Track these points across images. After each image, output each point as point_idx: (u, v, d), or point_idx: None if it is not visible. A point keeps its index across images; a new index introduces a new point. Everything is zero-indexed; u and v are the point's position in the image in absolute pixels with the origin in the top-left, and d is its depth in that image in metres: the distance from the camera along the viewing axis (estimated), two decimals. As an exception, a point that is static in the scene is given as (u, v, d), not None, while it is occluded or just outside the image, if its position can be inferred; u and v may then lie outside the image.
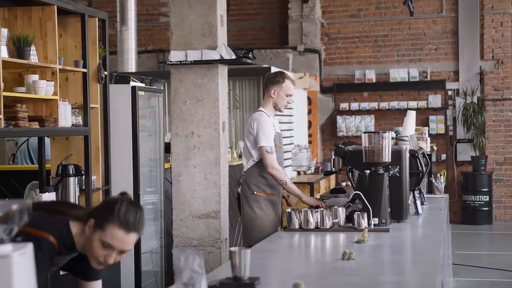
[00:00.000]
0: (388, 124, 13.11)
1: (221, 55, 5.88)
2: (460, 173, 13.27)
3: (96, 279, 3.06)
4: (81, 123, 5.92)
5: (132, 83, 6.95)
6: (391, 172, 4.72)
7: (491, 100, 13.21)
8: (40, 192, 5.56)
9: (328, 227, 4.44)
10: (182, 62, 5.88)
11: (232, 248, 2.84)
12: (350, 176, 5.20)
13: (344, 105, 13.57)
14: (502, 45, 13.17)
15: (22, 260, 1.80)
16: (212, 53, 5.89)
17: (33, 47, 5.27)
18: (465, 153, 13.25)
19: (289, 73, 11.42)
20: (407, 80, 13.36)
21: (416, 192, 5.35)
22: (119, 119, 6.61)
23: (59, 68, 5.57)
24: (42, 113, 5.46)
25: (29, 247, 1.84)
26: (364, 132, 4.69)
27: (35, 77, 5.34)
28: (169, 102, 6.12)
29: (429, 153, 6.69)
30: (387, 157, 4.61)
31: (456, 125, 13.27)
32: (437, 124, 13.23)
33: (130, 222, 2.77)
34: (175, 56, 5.92)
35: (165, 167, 7.35)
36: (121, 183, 6.62)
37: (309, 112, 12.96)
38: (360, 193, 4.53)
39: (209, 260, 5.79)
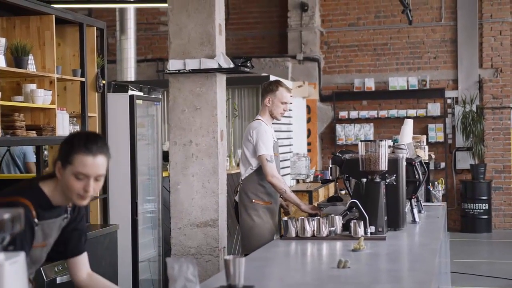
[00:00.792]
0: (387, 133, 13.12)
1: (219, 64, 5.90)
2: (459, 181, 13.28)
3: (82, 252, 3.13)
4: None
5: (130, 92, 6.97)
6: (387, 181, 4.73)
7: (490, 109, 13.22)
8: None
9: (324, 235, 4.45)
10: (181, 71, 5.90)
11: (227, 257, 2.85)
12: (347, 184, 5.21)
13: (343, 114, 13.59)
14: (501, 54, 13.19)
15: (14, 268, 1.80)
16: (210, 62, 5.91)
17: (31, 56, 5.29)
18: (464, 161, 13.25)
19: (288, 82, 11.46)
20: (406, 88, 13.38)
21: (413, 200, 5.35)
22: (117, 128, 6.62)
23: (57, 77, 5.58)
24: (40, 122, 5.47)
25: (21, 256, 1.84)
26: (361, 141, 4.70)
27: (32, 86, 5.35)
28: (168, 110, 6.14)
29: (427, 161, 6.70)
30: (383, 165, 4.62)
31: (455, 133, 13.29)
32: (436, 133, 13.24)
33: (93, 146, 2.85)
34: (173, 65, 5.93)
35: (163, 175, 7.36)
36: (119, 192, 6.63)
37: (308, 120, 12.98)
38: (357, 201, 4.53)
39: (207, 269, 5.80)
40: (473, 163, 13.01)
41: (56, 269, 4.72)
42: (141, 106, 6.98)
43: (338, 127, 13.59)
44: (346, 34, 13.79)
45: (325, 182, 9.43)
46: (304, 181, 10.45)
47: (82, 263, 3.13)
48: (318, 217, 4.53)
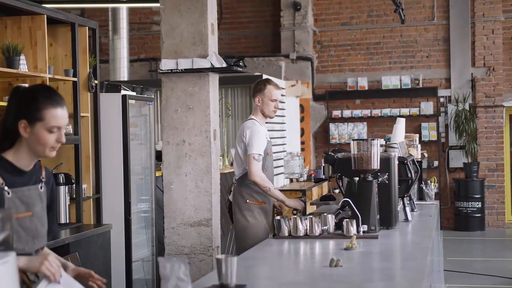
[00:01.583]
0: (381, 131, 13.14)
1: (211, 64, 5.90)
2: (453, 179, 13.31)
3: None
4: (71, 132, 5.92)
5: (123, 92, 6.96)
6: (380, 179, 4.74)
7: (483, 107, 13.26)
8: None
9: (317, 234, 4.45)
10: (173, 71, 5.90)
11: (219, 256, 2.86)
12: (340, 183, 5.21)
13: (336, 113, 13.61)
14: (493, 52, 13.23)
15: (4, 269, 1.80)
16: (202, 61, 5.90)
17: (22, 57, 5.28)
18: (457, 159, 13.29)
19: (281, 81, 11.47)
20: (399, 87, 13.40)
21: (406, 199, 5.36)
22: (110, 127, 6.62)
23: (49, 77, 5.57)
24: (32, 122, 5.46)
25: (11, 257, 1.84)
26: (353, 140, 4.71)
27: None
28: (161, 110, 6.13)
29: (419, 160, 6.71)
30: (376, 164, 4.63)
31: (448, 132, 13.31)
32: (429, 131, 13.27)
33: (57, 98, 2.88)
34: (166, 64, 5.93)
35: (157, 175, 7.36)
36: (112, 192, 6.62)
37: (302, 119, 12.98)
38: (349, 200, 4.54)
39: (201, 268, 5.80)
40: (466, 161, 13.04)
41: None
42: (134, 106, 6.98)
43: (332, 126, 13.60)
44: (339, 33, 13.81)
45: (318, 181, 9.43)
46: (297, 180, 10.45)
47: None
48: (311, 216, 4.52)
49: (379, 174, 4.74)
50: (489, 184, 13.24)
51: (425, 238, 4.51)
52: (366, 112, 13.48)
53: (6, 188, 2.79)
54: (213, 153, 5.98)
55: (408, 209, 5.30)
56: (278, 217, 4.60)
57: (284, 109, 10.80)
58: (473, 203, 12.87)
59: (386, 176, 4.77)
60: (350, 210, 4.56)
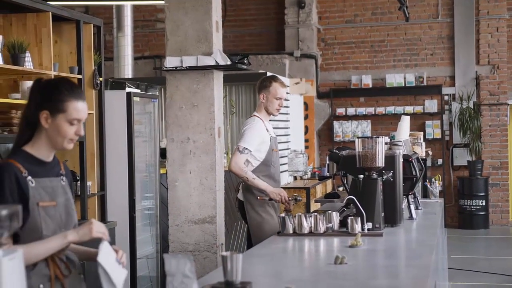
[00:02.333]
0: (385, 129, 13.14)
1: (216, 61, 5.89)
2: (457, 177, 13.29)
3: None
4: (76, 129, 5.92)
5: (127, 89, 6.97)
6: (384, 177, 4.73)
7: (487, 105, 13.24)
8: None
9: (322, 231, 4.45)
10: (178, 68, 5.90)
11: (224, 253, 2.86)
12: (345, 181, 5.21)
13: (340, 110, 13.60)
14: (497, 50, 13.21)
15: (12, 264, 1.81)
16: (207, 59, 5.90)
17: (28, 54, 5.29)
18: (461, 157, 13.28)
19: (285, 79, 11.46)
20: (403, 85, 13.39)
21: (410, 197, 5.36)
22: (115, 125, 6.63)
23: (54, 75, 5.58)
24: (37, 120, 5.47)
25: (18, 252, 1.85)
26: (358, 137, 4.71)
27: (30, 83, 5.33)
28: (165, 107, 6.13)
29: (424, 157, 6.70)
30: (380, 162, 4.62)
31: (452, 130, 13.30)
32: (433, 129, 13.26)
33: (79, 91, 2.94)
34: (170, 62, 5.93)
35: (161, 172, 7.37)
36: (117, 189, 6.63)
37: (306, 117, 12.98)
38: (354, 198, 4.54)
39: (205, 266, 5.80)
40: (470, 159, 13.03)
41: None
42: (138, 103, 6.98)
43: (336, 124, 13.60)
44: (343, 31, 13.80)
45: (322, 178, 9.44)
46: (301, 177, 10.46)
47: None
48: (316, 214, 4.52)
49: (383, 171, 4.73)
50: (493, 182, 13.23)
51: (430, 236, 4.51)
52: (370, 110, 13.47)
53: (29, 177, 2.85)
54: (217, 150, 5.98)
55: (412, 207, 5.30)
56: (283, 214, 4.61)
57: (288, 107, 10.80)
58: (477, 201, 12.86)
59: (391, 173, 4.77)
60: (354, 208, 4.56)
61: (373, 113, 13.46)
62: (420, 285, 3.04)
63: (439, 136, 13.25)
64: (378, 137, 4.65)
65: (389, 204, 4.75)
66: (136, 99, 6.87)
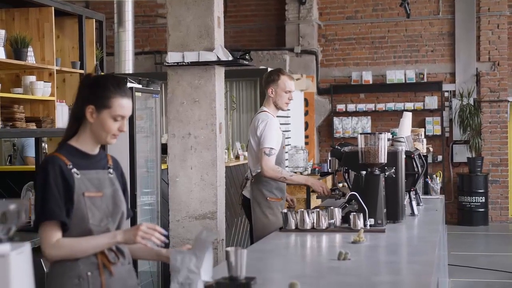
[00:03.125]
0: (385, 126, 13.14)
1: (218, 57, 5.89)
2: (456, 174, 13.30)
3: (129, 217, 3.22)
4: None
5: (129, 84, 6.96)
6: (387, 173, 4.74)
7: (487, 102, 13.25)
8: (37, 193, 5.56)
9: (324, 227, 4.45)
10: (179, 64, 5.89)
11: (229, 248, 2.86)
12: (346, 177, 5.21)
13: (340, 107, 13.60)
14: (498, 47, 13.21)
15: (20, 259, 1.81)
16: (209, 54, 5.89)
17: (30, 48, 5.29)
18: (461, 154, 13.28)
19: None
20: (403, 81, 13.39)
21: (412, 193, 5.36)
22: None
23: (56, 69, 5.58)
24: (39, 114, 5.47)
25: (26, 247, 1.85)
26: (361, 133, 4.70)
27: (32, 78, 5.35)
28: (166, 103, 6.13)
29: (425, 154, 6.71)
30: (383, 158, 4.63)
31: (452, 126, 13.31)
32: (433, 126, 13.27)
33: (125, 88, 3.00)
34: (172, 57, 5.92)
35: (162, 168, 7.36)
36: (118, 184, 6.62)
37: (306, 113, 12.99)
38: (356, 194, 4.54)
39: (206, 261, 5.80)
40: (470, 156, 13.04)
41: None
42: (139, 99, 6.98)
43: (336, 120, 13.60)
44: (344, 27, 13.80)
45: (324, 174, 9.42)
46: (301, 174, 10.45)
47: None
48: (318, 210, 4.52)
49: (386, 168, 4.74)
50: (493, 179, 13.25)
51: (432, 232, 4.52)
52: (370, 106, 13.48)
53: (74, 170, 2.93)
54: (218, 146, 5.97)
55: (414, 203, 5.31)
56: (285, 210, 4.60)
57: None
58: (476, 197, 12.88)
59: (393, 170, 4.77)
60: (356, 204, 4.56)
61: (373, 109, 13.47)
62: (424, 281, 3.05)
63: (439, 133, 13.26)
64: (380, 133, 4.65)
65: (391, 200, 4.75)
66: (137, 94, 6.86)
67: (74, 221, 2.90)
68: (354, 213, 4.47)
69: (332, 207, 4.61)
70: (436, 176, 6.87)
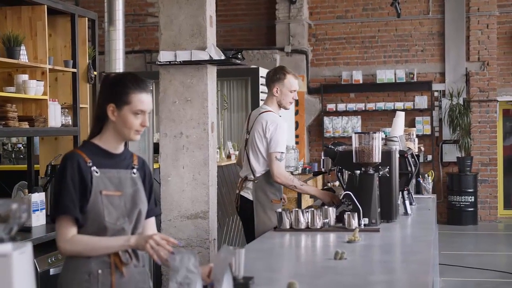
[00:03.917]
0: (375, 125, 13.17)
1: (210, 56, 5.88)
2: (446, 173, 13.35)
3: (151, 216, 3.22)
4: (70, 123, 5.90)
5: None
6: (381, 173, 4.75)
7: (476, 102, 13.30)
8: (29, 192, 5.53)
9: (318, 227, 4.45)
10: (171, 63, 5.88)
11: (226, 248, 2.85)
12: (340, 176, 5.21)
13: (331, 106, 13.62)
14: (487, 47, 13.26)
15: (22, 259, 1.80)
16: (201, 53, 5.89)
17: (23, 47, 5.25)
18: (450, 154, 13.33)
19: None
20: (393, 81, 13.42)
21: (405, 193, 5.37)
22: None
23: (49, 68, 5.55)
24: (32, 113, 5.44)
25: (28, 247, 1.84)
26: (355, 133, 4.71)
27: (25, 76, 5.32)
28: (158, 102, 6.12)
29: (417, 153, 6.73)
30: (377, 157, 4.63)
31: (442, 126, 13.35)
32: (423, 125, 13.30)
33: (144, 84, 3.05)
34: (164, 56, 5.91)
35: (154, 167, 7.34)
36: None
37: (296, 112, 12.99)
38: (351, 193, 4.54)
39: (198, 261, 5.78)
40: (459, 155, 13.08)
41: (49, 260, 4.70)
42: (131, 98, 6.94)
43: (326, 119, 13.61)
44: (334, 27, 13.81)
45: (316, 174, 9.45)
46: (292, 173, 10.46)
47: (148, 227, 3.21)
48: (313, 209, 4.52)
49: (380, 167, 4.74)
50: (482, 179, 13.30)
51: (427, 231, 4.53)
52: (361, 106, 13.50)
53: (94, 168, 2.96)
54: (210, 145, 5.97)
55: (407, 202, 5.32)
56: (280, 210, 4.60)
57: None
58: (466, 197, 12.92)
59: (387, 169, 4.78)
60: (350, 203, 4.56)
61: (364, 109, 13.49)
62: (421, 280, 3.05)
63: (428, 132, 13.29)
64: (374, 133, 4.66)
65: (385, 199, 4.76)
66: (129, 93, 6.83)
67: (90, 217, 2.93)
68: (349, 212, 4.47)
69: (326, 207, 4.61)
70: (428, 176, 6.88)
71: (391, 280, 3.16)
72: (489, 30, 13.26)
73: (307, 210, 4.52)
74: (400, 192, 5.28)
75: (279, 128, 5.29)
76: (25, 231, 4.77)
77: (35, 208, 4.99)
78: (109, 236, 2.96)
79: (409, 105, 13.28)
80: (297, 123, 12.99)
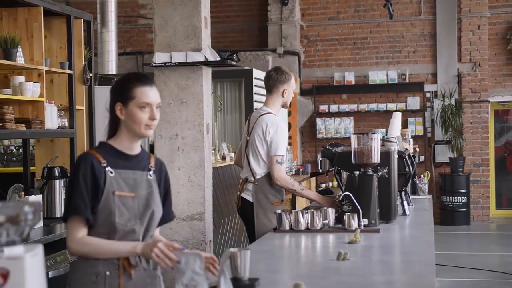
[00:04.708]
0: (367, 126, 13.18)
1: (205, 57, 5.88)
2: (438, 174, 13.38)
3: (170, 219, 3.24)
4: (66, 125, 5.87)
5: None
6: (380, 173, 4.74)
7: (468, 102, 13.33)
8: (25, 195, 5.50)
9: (318, 228, 4.45)
10: (167, 64, 5.87)
11: (232, 249, 2.84)
12: (338, 177, 5.21)
13: (323, 107, 13.62)
14: (479, 48, 13.30)
15: (34, 261, 1.79)
16: (196, 55, 5.88)
17: (19, 49, 5.22)
18: (443, 154, 13.36)
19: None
20: (386, 82, 13.44)
21: (403, 193, 5.37)
22: (104, 121, 6.56)
23: (45, 70, 5.52)
24: (28, 115, 5.41)
25: (39, 249, 1.83)
26: (354, 134, 4.71)
27: (21, 78, 5.28)
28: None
29: (413, 154, 6.73)
30: (376, 158, 4.63)
31: (434, 127, 13.38)
32: (415, 126, 13.33)
33: (145, 79, 3.06)
34: (159, 58, 5.90)
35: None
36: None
37: (289, 114, 12.98)
38: (350, 194, 4.54)
39: (194, 262, 5.76)
40: (452, 156, 13.12)
41: (48, 263, 4.67)
42: (126, 99, 6.92)
43: (318, 120, 13.62)
44: (326, 28, 13.82)
45: (314, 175, 9.45)
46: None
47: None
48: (313, 210, 4.51)
49: (379, 168, 4.74)
50: (475, 179, 13.33)
51: (427, 231, 4.54)
52: (353, 107, 13.51)
53: (108, 168, 2.96)
54: (206, 147, 5.96)
55: (405, 203, 5.32)
56: (279, 211, 4.59)
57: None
58: (458, 197, 12.96)
59: (386, 170, 4.78)
60: (349, 204, 4.55)
61: (356, 110, 13.50)
62: (428, 281, 3.05)
63: (421, 133, 13.32)
64: (373, 134, 4.66)
65: (384, 200, 4.76)
66: (124, 95, 6.81)
67: (101, 218, 2.93)
68: (349, 213, 4.46)
69: (325, 208, 4.61)
70: (424, 176, 6.89)
71: (396, 280, 3.16)
72: (480, 31, 13.30)
73: (306, 211, 4.51)
74: (398, 193, 5.28)
75: (279, 130, 5.23)
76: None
77: (33, 210, 4.94)
78: (119, 237, 2.95)
79: (401, 106, 13.30)
80: (289, 125, 12.98)
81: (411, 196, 6.24)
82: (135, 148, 3.07)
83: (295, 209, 7.55)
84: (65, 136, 5.89)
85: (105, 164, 2.96)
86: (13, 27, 5.39)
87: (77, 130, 6.01)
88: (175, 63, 5.87)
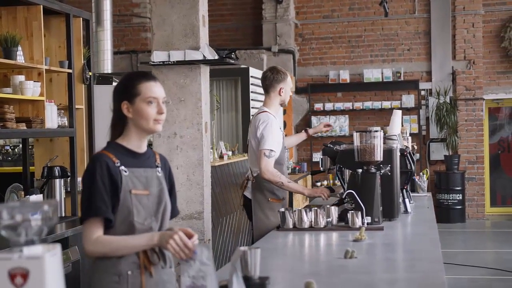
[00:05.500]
0: (363, 124, 13.20)
1: (204, 56, 5.86)
2: (434, 172, 13.40)
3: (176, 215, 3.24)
4: (66, 124, 5.84)
5: (114, 84, 6.89)
6: (382, 171, 4.74)
7: (463, 100, 13.36)
8: (25, 195, 5.47)
9: (322, 226, 4.44)
10: (165, 63, 5.85)
11: (242, 248, 2.83)
12: (340, 175, 5.20)
13: (318, 106, 13.62)
14: (473, 46, 13.32)
15: (53, 261, 1.78)
16: (195, 53, 5.87)
17: (19, 48, 5.19)
18: (438, 152, 13.38)
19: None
20: (380, 80, 13.45)
21: (404, 191, 5.37)
22: (103, 120, 6.53)
23: (45, 69, 5.49)
24: (28, 115, 5.38)
25: (57, 249, 1.81)
26: (356, 131, 4.70)
27: (21, 77, 5.25)
28: (152, 102, 6.06)
29: (412, 152, 6.73)
30: (379, 156, 4.63)
31: (429, 124, 13.40)
32: (410, 124, 13.34)
33: (148, 75, 3.07)
34: (157, 56, 5.88)
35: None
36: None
37: (284, 112, 12.96)
38: (353, 192, 4.53)
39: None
40: (447, 154, 13.14)
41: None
42: (125, 98, 6.90)
43: (314, 119, 13.62)
44: (321, 26, 13.82)
45: (315, 173, 9.45)
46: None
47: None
48: (316, 209, 4.51)
49: (381, 165, 4.73)
50: (469, 177, 13.36)
51: (431, 229, 4.54)
52: (348, 105, 13.51)
53: (122, 167, 2.95)
54: (204, 145, 5.95)
55: (407, 200, 5.32)
56: (282, 209, 4.58)
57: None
58: (453, 195, 12.98)
59: (389, 167, 4.77)
60: (352, 202, 4.54)
61: (351, 108, 13.51)
62: (437, 278, 3.05)
63: (416, 131, 13.34)
64: (376, 131, 4.66)
65: (387, 198, 4.75)
66: (123, 94, 6.79)
67: (119, 218, 2.91)
68: (352, 211, 4.46)
69: (328, 206, 4.60)
70: (423, 174, 6.89)
71: (406, 278, 3.15)
72: (474, 29, 13.33)
73: (310, 209, 4.50)
74: (400, 191, 5.28)
75: (269, 126, 5.28)
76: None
77: (33, 210, 4.92)
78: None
79: (396, 104, 13.31)
80: (284, 123, 12.96)
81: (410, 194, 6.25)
82: (143, 146, 3.06)
83: (292, 207, 7.54)
84: (65, 135, 5.86)
85: (118, 164, 2.94)
86: (13, 26, 5.36)
87: (76, 129, 5.98)
88: (173, 61, 5.85)
